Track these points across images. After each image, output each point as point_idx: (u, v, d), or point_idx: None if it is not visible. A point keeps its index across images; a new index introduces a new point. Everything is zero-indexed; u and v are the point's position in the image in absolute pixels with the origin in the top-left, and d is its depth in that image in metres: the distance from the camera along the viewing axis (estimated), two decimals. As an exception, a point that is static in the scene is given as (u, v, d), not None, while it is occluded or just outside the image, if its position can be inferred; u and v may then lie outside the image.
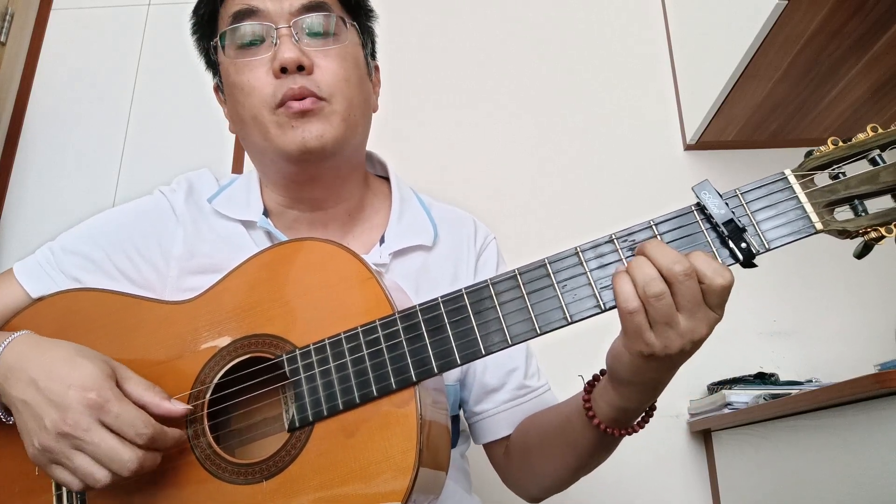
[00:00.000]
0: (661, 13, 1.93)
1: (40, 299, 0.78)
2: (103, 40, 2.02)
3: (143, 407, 0.64)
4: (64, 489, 0.68)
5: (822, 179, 0.60)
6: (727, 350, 1.57)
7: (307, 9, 0.78)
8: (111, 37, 2.02)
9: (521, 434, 0.84)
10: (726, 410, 1.37)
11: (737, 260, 0.59)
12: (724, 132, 1.71)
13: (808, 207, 0.59)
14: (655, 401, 0.68)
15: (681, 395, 1.57)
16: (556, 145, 1.83)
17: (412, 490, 0.59)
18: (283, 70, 0.75)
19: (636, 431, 0.70)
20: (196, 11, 0.85)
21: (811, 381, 1.46)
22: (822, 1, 1.23)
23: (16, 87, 1.97)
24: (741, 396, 1.37)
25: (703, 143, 1.75)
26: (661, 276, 0.56)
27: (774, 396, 1.29)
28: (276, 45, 0.76)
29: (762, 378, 1.44)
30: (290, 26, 0.77)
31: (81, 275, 0.81)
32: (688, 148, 1.80)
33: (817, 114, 1.63)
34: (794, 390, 1.32)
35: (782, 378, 1.47)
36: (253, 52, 0.78)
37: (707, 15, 1.64)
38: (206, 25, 0.84)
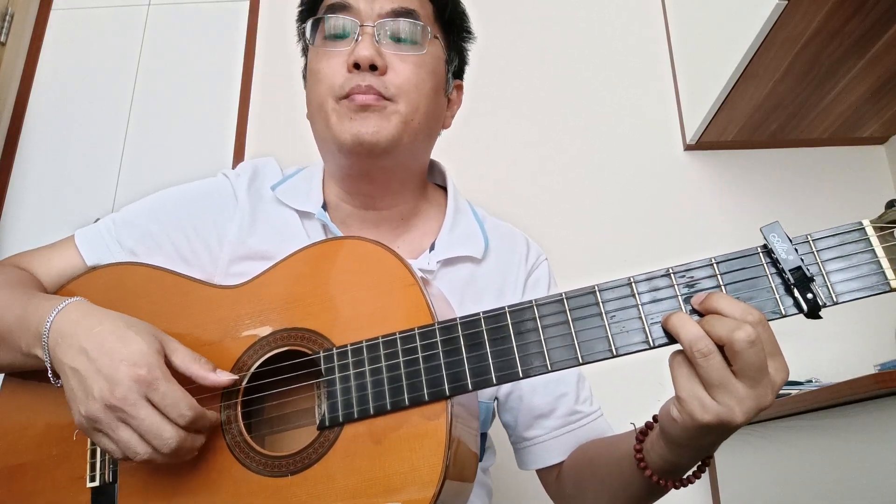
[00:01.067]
0: (661, 13, 1.93)
1: (94, 268, 0.80)
2: (103, 40, 2.02)
3: (190, 377, 0.65)
4: (98, 458, 0.70)
5: None
6: (727, 350, 1.57)
7: (396, 13, 0.79)
8: (111, 37, 2.02)
9: (574, 464, 0.82)
10: (726, 410, 1.37)
11: (801, 311, 0.56)
12: (724, 132, 1.71)
13: (885, 263, 0.55)
14: (711, 456, 0.65)
15: (681, 395, 1.57)
16: (557, 145, 1.83)
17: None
18: (357, 66, 0.77)
19: (691, 483, 0.66)
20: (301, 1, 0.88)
21: (811, 381, 1.46)
22: (822, 1, 1.23)
23: (16, 87, 1.97)
24: (741, 396, 1.36)
25: (703, 143, 1.75)
26: (720, 341, 0.53)
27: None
28: (357, 41, 0.78)
29: (762, 378, 1.44)
30: (374, 26, 0.78)
31: (138, 247, 0.83)
32: (688, 148, 1.80)
33: (817, 114, 1.63)
34: (794, 390, 1.32)
35: (782, 378, 1.47)
36: (336, 43, 0.80)
37: (707, 15, 1.64)
38: (308, 13, 0.86)
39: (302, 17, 0.88)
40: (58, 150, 1.92)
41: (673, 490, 0.66)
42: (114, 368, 0.61)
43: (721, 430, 0.56)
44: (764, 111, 1.61)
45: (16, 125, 1.94)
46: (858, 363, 1.46)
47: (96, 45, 2.01)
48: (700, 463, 0.65)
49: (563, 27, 1.95)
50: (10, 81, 1.95)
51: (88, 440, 0.70)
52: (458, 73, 0.93)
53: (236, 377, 0.67)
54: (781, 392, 1.32)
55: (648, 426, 0.67)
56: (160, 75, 1.97)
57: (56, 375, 0.66)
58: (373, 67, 0.77)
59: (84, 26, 2.04)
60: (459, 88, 0.94)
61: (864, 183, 1.75)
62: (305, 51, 0.88)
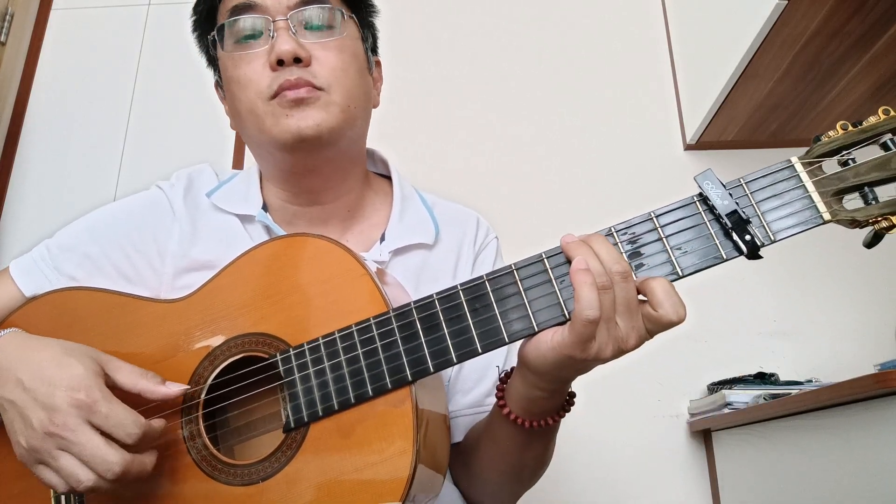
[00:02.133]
0: (661, 13, 1.93)
1: (34, 298, 0.77)
2: (103, 40, 2.02)
3: (138, 393, 0.63)
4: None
5: (830, 167, 0.57)
6: (727, 350, 1.57)
7: (305, 2, 0.78)
8: (111, 37, 2.02)
9: (465, 439, 0.82)
10: (726, 410, 1.37)
11: (741, 252, 0.58)
12: (724, 132, 1.71)
13: (816, 196, 0.56)
14: (567, 391, 0.68)
15: (681, 395, 1.57)
16: (556, 144, 1.83)
17: (409, 489, 0.58)
18: (280, 62, 0.75)
19: (553, 422, 0.68)
20: (195, 8, 0.85)
21: (811, 381, 1.46)
22: (822, 1, 1.23)
23: (16, 87, 1.97)
24: (741, 396, 1.37)
25: (703, 143, 1.75)
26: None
27: (774, 396, 1.28)
28: (273, 38, 0.76)
29: (762, 378, 1.44)
30: (287, 19, 0.76)
31: (77, 272, 0.80)
32: (688, 148, 1.80)
33: (817, 114, 1.63)
34: (794, 390, 1.32)
35: (782, 378, 1.47)
36: (250, 45, 0.78)
37: (707, 15, 1.64)
38: (206, 21, 0.84)
39: (200, 27, 0.85)
40: (58, 150, 1.92)
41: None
42: (51, 395, 0.59)
43: (585, 366, 0.60)
44: (764, 111, 1.61)
45: (16, 125, 1.94)
46: (858, 363, 1.46)
47: (96, 45, 2.01)
48: (565, 402, 0.68)
49: (562, 27, 1.95)
50: (10, 81, 1.95)
51: None
52: (374, 50, 0.90)
53: (187, 387, 0.66)
54: (781, 392, 1.32)
55: (512, 370, 0.69)
56: (160, 75, 1.97)
57: None
58: (297, 60, 0.75)
59: (84, 26, 2.04)
60: (378, 65, 0.92)
61: (864, 183, 1.75)
62: (213, 61, 0.86)
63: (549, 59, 1.92)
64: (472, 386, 0.84)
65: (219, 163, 1.86)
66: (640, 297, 0.59)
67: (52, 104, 1.97)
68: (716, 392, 1.44)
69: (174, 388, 0.64)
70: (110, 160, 1.89)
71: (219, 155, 1.88)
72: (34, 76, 1.99)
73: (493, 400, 0.83)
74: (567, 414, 0.69)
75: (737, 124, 1.67)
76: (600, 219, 1.87)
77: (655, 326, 0.58)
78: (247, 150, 0.81)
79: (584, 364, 0.59)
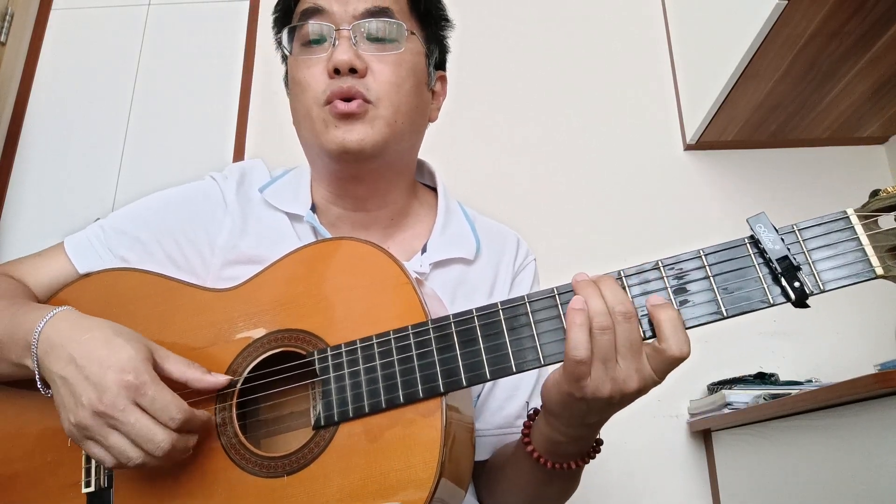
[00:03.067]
0: (661, 13, 1.93)
1: (87, 275, 0.80)
2: (103, 40, 2.02)
3: (185, 382, 0.65)
4: (92, 464, 0.70)
5: (886, 222, 0.58)
6: (727, 350, 1.57)
7: (370, 13, 0.79)
8: (111, 37, 2.02)
9: (491, 462, 0.83)
10: (726, 410, 1.37)
11: (788, 299, 0.57)
12: (724, 132, 1.71)
13: (870, 251, 0.56)
14: (589, 439, 0.68)
15: (681, 395, 1.57)
16: (557, 145, 1.83)
17: (431, 501, 0.58)
18: (337, 71, 0.77)
19: (576, 467, 0.69)
20: (275, 8, 0.88)
21: (811, 381, 1.46)
22: (822, 1, 1.23)
23: (16, 87, 1.97)
24: (741, 396, 1.37)
25: (703, 143, 1.75)
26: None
27: (774, 396, 1.29)
28: (334, 45, 0.78)
29: (762, 378, 1.44)
30: (350, 29, 0.78)
31: (128, 254, 0.82)
32: (688, 148, 1.80)
33: (817, 114, 1.63)
34: (794, 390, 1.32)
35: (782, 378, 1.47)
36: (314, 50, 0.80)
37: (707, 15, 1.64)
38: (282, 21, 0.86)
39: (277, 26, 0.87)
40: (58, 150, 1.92)
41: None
42: (102, 375, 0.61)
43: (589, 407, 0.60)
44: (764, 111, 1.61)
45: (16, 125, 1.94)
46: (858, 363, 1.46)
47: (96, 45, 2.01)
48: (591, 450, 0.69)
49: (563, 27, 1.95)
50: (10, 81, 1.95)
51: None
52: (440, 64, 0.92)
53: (231, 378, 0.67)
54: (781, 392, 1.32)
55: (538, 411, 0.70)
56: (160, 75, 1.97)
57: (46, 385, 0.66)
58: (352, 70, 0.76)
59: (84, 26, 2.04)
60: (443, 80, 0.94)
61: (864, 183, 1.74)
62: (285, 59, 0.88)
63: (550, 59, 1.92)
64: (502, 406, 0.85)
65: (217, 163, 1.86)
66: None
67: (52, 104, 1.97)
68: (716, 392, 1.44)
69: (219, 379, 0.66)
70: (110, 160, 1.89)
71: (218, 155, 1.88)
72: (34, 76, 1.99)
73: (521, 425, 0.85)
74: (591, 461, 0.70)
75: (737, 124, 1.67)
76: (600, 219, 1.87)
77: (659, 363, 0.57)
78: (303, 148, 0.82)
79: (586, 404, 0.59)
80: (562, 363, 0.60)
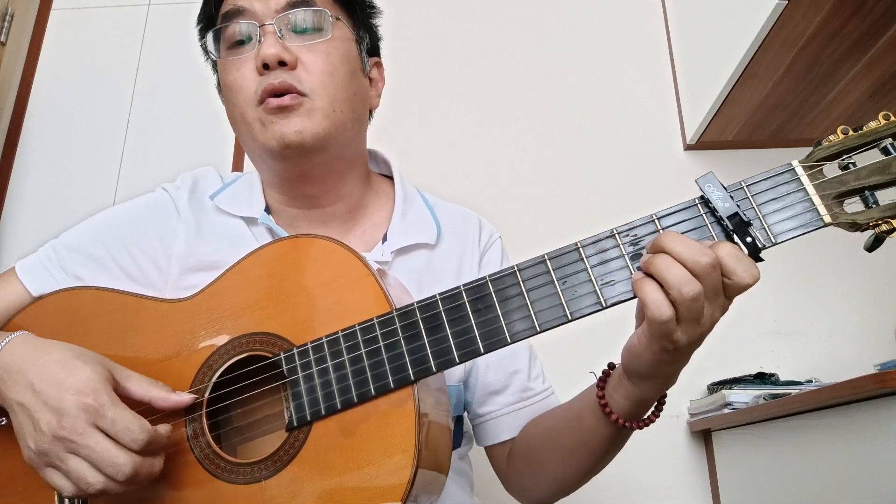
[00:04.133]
0: (661, 13, 1.93)
1: (41, 297, 0.78)
2: (103, 40, 2.02)
3: (148, 402, 0.64)
4: None
5: (831, 170, 0.58)
6: (727, 350, 1.57)
7: (292, 5, 0.78)
8: (111, 37, 2.02)
9: (526, 437, 0.83)
10: (726, 410, 1.37)
11: None
12: (724, 132, 1.71)
13: (817, 199, 0.57)
14: (670, 387, 0.67)
15: (681, 395, 1.57)
16: (557, 145, 1.83)
17: (411, 489, 0.58)
18: (266, 66, 0.75)
19: (652, 422, 0.69)
20: (199, 16, 0.86)
21: (811, 381, 1.46)
22: (822, 1, 1.23)
23: (16, 87, 1.97)
24: (741, 396, 1.37)
25: (703, 143, 1.75)
26: (688, 270, 0.55)
27: (774, 396, 1.28)
28: (260, 42, 0.76)
29: (762, 378, 1.44)
30: (273, 23, 0.77)
31: (83, 272, 0.81)
32: (688, 148, 1.80)
33: (817, 114, 1.63)
34: (794, 390, 1.32)
35: (782, 378, 1.47)
36: (240, 50, 0.78)
37: (707, 15, 1.64)
38: (206, 28, 0.85)
39: (202, 33, 0.86)
40: (58, 150, 1.92)
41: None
42: (60, 399, 0.60)
43: (682, 356, 0.60)
44: (764, 111, 1.61)
45: (16, 125, 1.94)
46: (858, 363, 1.46)
47: (96, 45, 2.01)
48: (657, 403, 0.68)
49: (562, 27, 1.95)
50: (10, 81, 1.95)
51: None
52: (374, 51, 0.90)
53: (196, 396, 0.66)
54: (781, 392, 1.32)
55: (606, 373, 0.69)
56: (160, 75, 1.97)
57: (4, 414, 0.65)
58: (282, 64, 0.75)
59: (84, 26, 2.04)
60: (379, 66, 0.92)
61: (864, 183, 1.75)
62: (215, 65, 0.87)
63: (550, 59, 1.92)
64: (507, 382, 0.85)
65: (219, 163, 1.86)
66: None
67: (52, 104, 1.97)
68: (716, 392, 1.44)
69: (184, 397, 0.65)
70: (110, 160, 1.89)
71: (219, 155, 1.88)
72: (34, 76, 1.99)
73: (534, 390, 0.86)
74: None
75: (737, 124, 1.67)
76: (600, 218, 1.87)
77: (733, 292, 0.57)
78: (246, 154, 0.82)
79: (680, 353, 0.59)
80: (548, 328, 0.60)
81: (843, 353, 1.58)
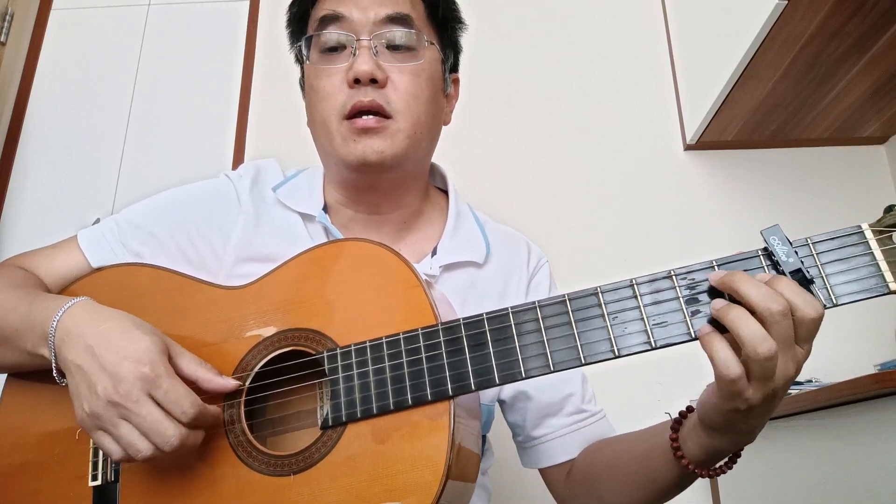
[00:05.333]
0: (661, 13, 1.93)
1: (99, 269, 0.80)
2: (103, 40, 2.02)
3: (195, 381, 0.65)
4: (100, 457, 0.70)
5: None
6: (727, 350, 1.57)
7: (391, 20, 0.79)
8: (111, 37, 2.02)
9: (587, 462, 0.83)
10: (726, 410, 1.37)
11: None
12: (724, 132, 1.71)
13: (884, 265, 0.56)
14: (750, 443, 0.65)
15: (681, 395, 1.57)
16: (557, 145, 1.83)
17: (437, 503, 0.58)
18: (357, 81, 0.77)
19: (724, 473, 0.66)
20: (290, 8, 0.87)
21: (811, 381, 1.46)
22: (822, 1, 1.23)
23: (16, 87, 1.97)
24: (741, 396, 1.36)
25: (703, 143, 1.75)
26: (754, 313, 0.53)
27: (774, 396, 1.28)
28: (355, 55, 0.78)
29: (762, 378, 1.44)
30: (370, 38, 0.78)
31: (142, 249, 0.83)
32: (688, 148, 1.80)
33: (817, 114, 1.63)
34: (794, 390, 1.32)
35: (782, 378, 1.47)
36: (333, 58, 0.80)
37: (707, 15, 1.64)
38: (297, 23, 0.86)
39: (292, 30, 0.87)
40: (58, 150, 1.92)
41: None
42: (118, 365, 0.61)
43: (758, 412, 0.57)
44: (764, 111, 1.61)
45: (16, 125, 1.94)
46: (858, 363, 1.46)
47: (96, 45, 2.01)
48: (732, 454, 0.65)
49: (563, 27, 1.95)
50: (10, 81, 1.95)
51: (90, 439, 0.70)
52: (454, 67, 0.92)
53: (240, 383, 0.67)
54: (781, 392, 1.32)
55: (682, 415, 0.68)
56: (160, 75, 1.97)
57: (61, 374, 0.67)
58: (373, 81, 0.77)
59: (84, 26, 2.04)
60: (456, 82, 0.94)
61: (864, 183, 1.75)
62: (300, 61, 0.88)
63: (550, 59, 1.92)
64: (560, 405, 0.85)
65: (218, 163, 1.86)
66: None
67: (52, 104, 1.97)
68: (716, 392, 1.44)
69: (229, 382, 0.66)
70: (110, 160, 1.89)
71: (219, 155, 1.88)
72: (34, 76, 1.99)
73: (589, 411, 0.86)
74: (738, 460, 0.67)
75: (737, 124, 1.67)
76: (600, 219, 1.87)
77: (803, 333, 0.55)
78: (318, 152, 0.82)
79: (752, 411, 0.57)
80: (580, 365, 0.59)
81: (843, 353, 1.58)
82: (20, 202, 1.88)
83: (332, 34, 0.79)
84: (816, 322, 0.55)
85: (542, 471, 0.88)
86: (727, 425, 0.59)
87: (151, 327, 0.66)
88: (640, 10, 1.94)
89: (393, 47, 0.79)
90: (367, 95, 0.76)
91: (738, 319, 0.54)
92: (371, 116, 0.76)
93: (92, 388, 0.62)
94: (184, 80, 1.94)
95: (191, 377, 0.65)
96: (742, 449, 0.65)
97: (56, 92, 1.98)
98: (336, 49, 0.80)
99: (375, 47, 0.78)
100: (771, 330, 0.53)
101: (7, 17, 1.94)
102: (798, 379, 1.49)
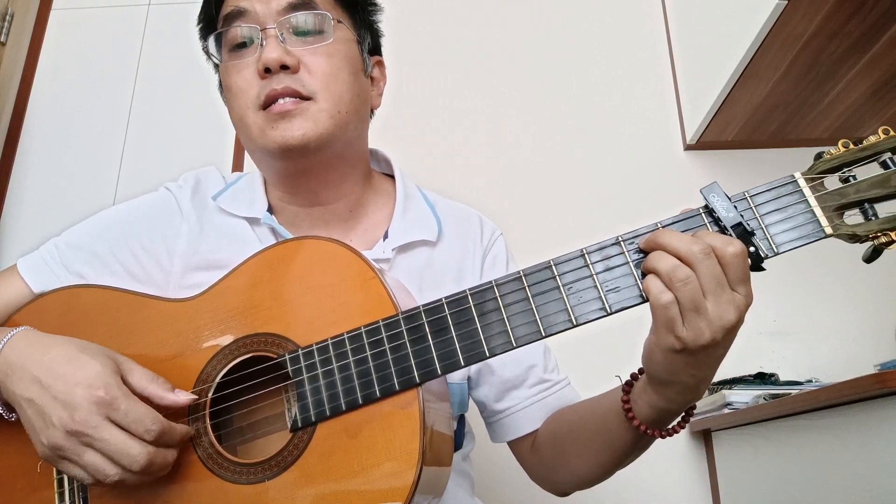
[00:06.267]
0: (661, 13, 1.93)
1: (42, 295, 0.78)
2: (103, 40, 2.02)
3: (147, 398, 0.64)
4: (65, 486, 0.68)
5: (832, 183, 0.59)
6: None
7: (293, 7, 0.78)
8: (111, 37, 2.02)
9: (550, 431, 0.84)
10: (726, 410, 1.37)
11: None
12: (724, 132, 1.71)
13: (818, 211, 0.58)
14: (697, 400, 0.66)
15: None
16: (557, 144, 1.83)
17: (415, 491, 0.59)
18: (268, 70, 0.75)
19: (676, 433, 0.69)
20: (199, 16, 0.86)
21: (811, 381, 1.46)
22: (822, 1, 1.23)
23: (16, 87, 1.97)
24: (741, 396, 1.36)
25: (703, 143, 1.75)
26: (682, 260, 0.56)
27: (774, 396, 1.28)
28: (262, 45, 0.77)
29: (762, 378, 1.44)
30: (275, 26, 0.77)
31: (85, 270, 0.81)
32: (688, 148, 1.80)
33: (817, 114, 1.63)
34: (794, 390, 1.32)
35: (782, 378, 1.47)
36: (242, 54, 0.79)
37: (707, 15, 1.64)
38: (207, 29, 0.85)
39: (202, 35, 0.86)
40: (58, 150, 1.92)
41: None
42: (70, 393, 0.60)
43: (697, 357, 0.59)
44: (764, 111, 1.61)
45: (16, 125, 1.94)
46: (858, 363, 1.46)
47: (96, 45, 2.01)
48: (684, 413, 0.67)
49: (562, 27, 1.95)
50: (10, 81, 1.95)
51: (54, 469, 0.69)
52: (375, 49, 0.90)
53: (195, 397, 0.66)
54: (781, 392, 1.32)
55: (634, 377, 0.69)
56: (160, 75, 1.97)
57: (9, 409, 0.66)
58: (284, 67, 0.75)
59: (84, 26, 2.04)
60: (380, 65, 0.92)
61: (864, 183, 1.75)
62: (216, 67, 0.87)
63: (550, 59, 1.92)
64: (523, 376, 0.86)
65: (219, 163, 1.86)
66: None
67: (52, 104, 1.97)
68: (716, 392, 1.44)
69: (182, 397, 0.65)
70: (110, 160, 1.89)
71: (219, 155, 1.88)
72: (34, 76, 1.99)
73: (552, 380, 0.86)
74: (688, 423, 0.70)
75: (737, 124, 1.67)
76: (600, 218, 1.87)
77: (732, 273, 0.57)
78: (247, 153, 0.83)
79: (692, 356, 0.58)
80: (577, 323, 0.60)
81: (843, 353, 1.58)
82: (20, 202, 1.88)
83: (236, 28, 0.78)
84: (739, 258, 0.56)
85: (511, 445, 0.89)
86: (670, 374, 0.61)
87: (99, 348, 0.65)
88: (640, 10, 1.94)
89: (301, 33, 0.78)
90: (280, 83, 0.75)
91: (657, 258, 0.57)
92: (288, 100, 0.75)
93: (47, 420, 0.60)
94: (184, 80, 1.94)
95: (142, 393, 0.64)
96: (693, 408, 0.67)
97: (56, 92, 1.98)
98: (244, 45, 0.79)
99: (282, 35, 0.77)
100: (697, 270, 0.56)
101: (7, 17, 1.94)
102: (798, 379, 1.50)
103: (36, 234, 1.83)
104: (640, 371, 0.68)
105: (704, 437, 1.53)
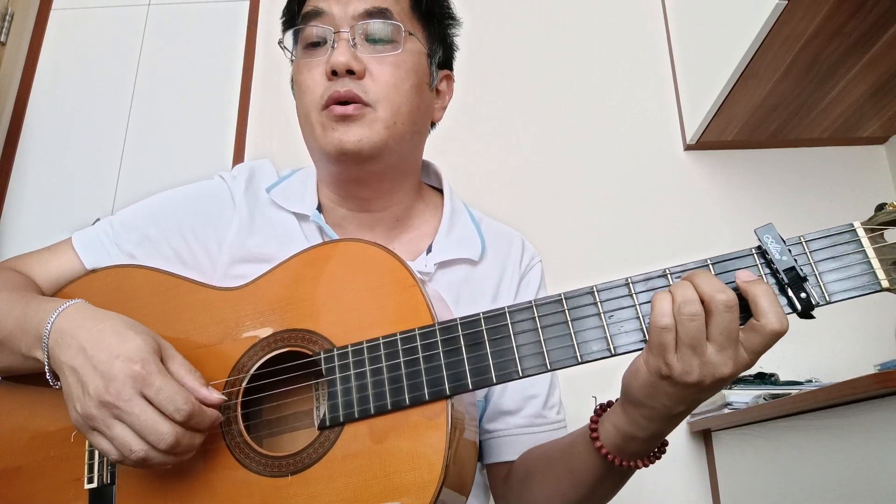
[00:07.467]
0: (661, 13, 1.93)
1: (94, 271, 0.80)
2: (103, 40, 2.02)
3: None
4: (96, 459, 0.69)
5: (891, 235, 0.58)
6: (727, 350, 1.57)
7: (369, 14, 0.79)
8: (111, 37, 2.02)
9: (524, 461, 0.82)
10: (726, 410, 1.37)
11: (794, 310, 0.58)
12: (724, 132, 1.71)
13: (875, 263, 0.57)
14: (665, 435, 0.65)
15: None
16: (557, 145, 1.83)
17: (436, 500, 0.58)
18: (335, 73, 0.77)
19: (638, 468, 0.66)
20: (283, 10, 0.88)
21: (811, 381, 1.46)
22: (822, 1, 1.23)
23: (16, 87, 1.97)
24: (741, 396, 1.37)
25: (703, 143, 1.75)
26: (702, 301, 0.55)
27: (774, 396, 1.29)
28: (333, 47, 0.78)
29: (762, 378, 1.44)
30: (348, 31, 0.78)
31: (136, 251, 0.83)
32: (688, 148, 1.80)
33: (817, 114, 1.63)
34: (794, 390, 1.32)
35: (782, 378, 1.47)
36: (314, 53, 0.80)
37: (707, 15, 1.64)
38: (288, 24, 0.87)
39: (283, 28, 0.87)
40: (58, 150, 1.92)
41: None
42: (109, 364, 0.61)
43: (678, 390, 0.58)
44: (764, 111, 1.61)
45: (16, 125, 1.94)
46: (858, 363, 1.46)
47: (96, 45, 2.01)
48: (656, 449, 0.66)
49: (563, 27, 1.95)
50: (10, 81, 1.95)
51: (86, 441, 0.70)
52: (446, 63, 0.91)
53: (225, 398, 0.66)
54: (781, 392, 1.32)
55: (609, 403, 0.68)
56: (160, 75, 1.97)
57: (55, 377, 0.66)
58: (350, 72, 0.77)
59: (84, 26, 2.04)
60: (449, 79, 0.92)
61: (864, 183, 1.75)
62: (292, 61, 0.88)
63: (550, 59, 1.92)
64: (521, 405, 0.84)
65: (217, 163, 1.86)
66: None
67: (52, 104, 1.97)
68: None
69: (214, 396, 0.65)
70: (110, 160, 1.90)
71: (219, 155, 1.88)
72: (34, 76, 1.99)
73: (547, 418, 0.85)
74: (656, 462, 0.67)
75: (737, 124, 1.67)
76: (600, 218, 1.87)
77: (758, 341, 0.56)
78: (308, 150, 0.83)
79: (673, 387, 0.57)
80: (591, 361, 0.59)
81: (843, 353, 1.58)
82: (20, 202, 1.88)
83: (311, 28, 0.80)
84: (779, 335, 0.55)
85: (487, 469, 0.87)
86: (646, 397, 0.59)
87: (145, 328, 0.66)
88: (640, 10, 1.94)
89: (372, 40, 0.79)
90: (343, 86, 0.76)
91: (680, 285, 0.56)
92: (349, 105, 0.76)
93: (84, 388, 0.61)
94: (184, 80, 1.94)
95: (178, 382, 0.64)
96: (663, 445, 0.66)
97: (56, 92, 1.98)
98: (318, 44, 0.80)
99: (354, 40, 0.78)
100: (711, 316, 0.55)
101: (7, 17, 1.94)
102: (798, 379, 1.50)
103: (36, 234, 1.83)
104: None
105: (704, 436, 1.53)
